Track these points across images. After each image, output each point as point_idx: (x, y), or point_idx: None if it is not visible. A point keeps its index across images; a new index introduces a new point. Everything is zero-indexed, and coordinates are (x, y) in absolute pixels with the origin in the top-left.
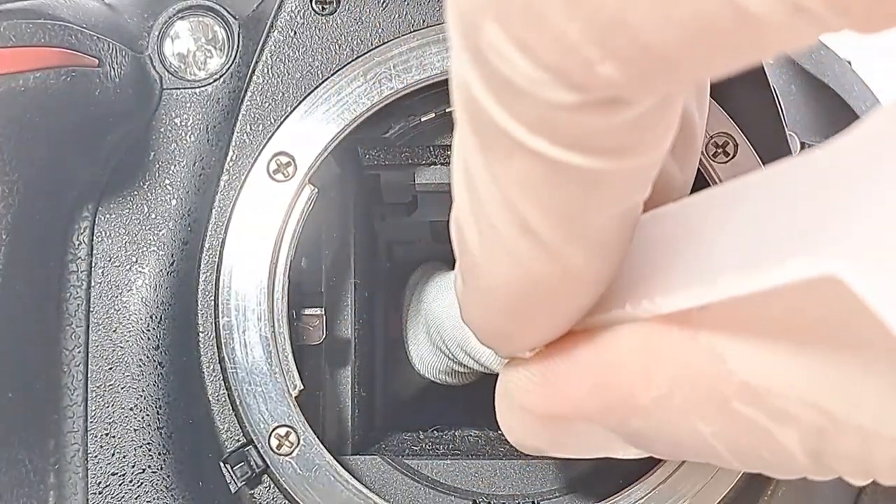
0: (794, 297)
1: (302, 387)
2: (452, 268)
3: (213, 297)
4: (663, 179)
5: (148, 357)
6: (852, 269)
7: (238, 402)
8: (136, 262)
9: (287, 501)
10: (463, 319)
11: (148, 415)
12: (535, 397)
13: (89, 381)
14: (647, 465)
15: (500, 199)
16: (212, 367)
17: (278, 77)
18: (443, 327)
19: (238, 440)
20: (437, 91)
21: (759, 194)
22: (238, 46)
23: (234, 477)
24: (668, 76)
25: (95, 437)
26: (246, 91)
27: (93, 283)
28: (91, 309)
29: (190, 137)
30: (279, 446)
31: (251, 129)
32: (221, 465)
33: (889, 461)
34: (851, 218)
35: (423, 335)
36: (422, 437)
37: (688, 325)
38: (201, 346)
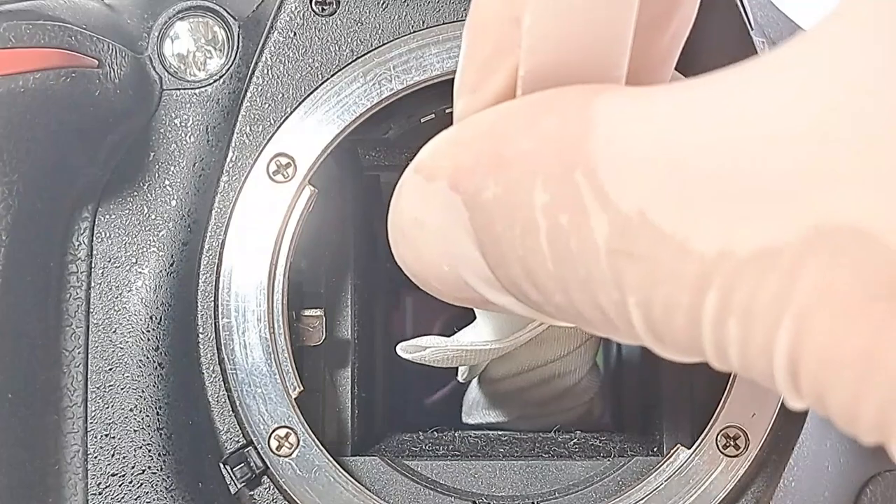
0: None
1: (301, 388)
2: None
3: (212, 299)
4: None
5: (148, 358)
6: None
7: (238, 404)
8: (136, 262)
9: (287, 503)
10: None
11: (148, 416)
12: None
13: (89, 382)
14: (648, 467)
15: None
16: (211, 369)
17: (278, 78)
18: None
19: (238, 441)
20: (437, 92)
21: None
22: (238, 47)
23: (233, 478)
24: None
25: (95, 437)
26: (246, 92)
27: (93, 284)
28: (91, 309)
29: (190, 138)
30: (279, 447)
31: (251, 129)
32: (221, 466)
33: None
34: None
35: None
36: (421, 437)
37: None
38: (201, 347)
